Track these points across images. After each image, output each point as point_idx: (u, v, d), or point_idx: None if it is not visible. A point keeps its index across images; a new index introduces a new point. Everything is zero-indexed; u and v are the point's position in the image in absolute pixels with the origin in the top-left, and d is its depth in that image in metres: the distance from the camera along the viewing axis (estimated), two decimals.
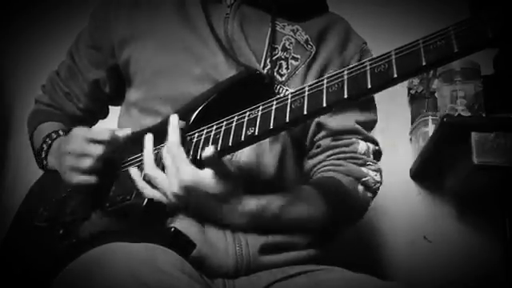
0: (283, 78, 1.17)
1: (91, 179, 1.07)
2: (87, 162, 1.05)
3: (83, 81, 1.33)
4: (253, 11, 1.22)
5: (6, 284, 1.14)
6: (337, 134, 1.20)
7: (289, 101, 0.91)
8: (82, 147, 1.06)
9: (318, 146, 1.21)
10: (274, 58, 1.18)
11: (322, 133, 1.21)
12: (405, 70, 0.82)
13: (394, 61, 0.83)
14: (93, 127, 1.11)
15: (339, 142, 1.20)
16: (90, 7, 1.33)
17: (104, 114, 1.43)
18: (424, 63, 0.80)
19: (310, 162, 1.22)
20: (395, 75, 0.82)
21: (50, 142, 1.22)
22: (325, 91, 0.87)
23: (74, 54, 1.34)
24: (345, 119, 1.20)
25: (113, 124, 1.31)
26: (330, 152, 1.19)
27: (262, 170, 1.12)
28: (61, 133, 1.24)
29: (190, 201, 0.99)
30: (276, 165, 1.14)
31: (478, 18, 0.77)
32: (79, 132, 1.09)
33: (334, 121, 1.19)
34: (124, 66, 1.24)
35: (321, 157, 1.20)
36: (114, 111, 1.39)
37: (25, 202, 1.29)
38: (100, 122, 1.45)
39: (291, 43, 1.20)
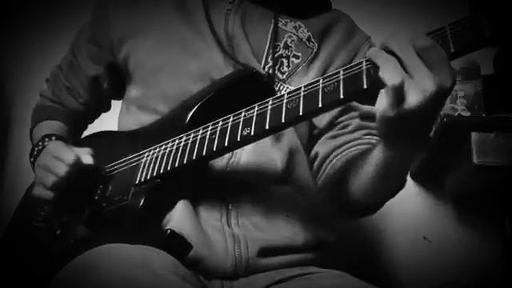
0: (284, 76, 1.17)
1: (49, 195, 1.10)
2: (51, 179, 1.08)
3: (83, 76, 1.33)
4: (255, 7, 1.21)
5: (4, 283, 1.14)
6: (367, 116, 1.18)
7: (284, 101, 0.91)
8: (49, 163, 1.10)
9: (345, 126, 1.19)
10: (275, 55, 1.17)
11: (353, 113, 1.19)
12: None
13: None
14: (57, 148, 1.13)
15: (372, 124, 1.17)
16: (89, 7, 1.34)
17: (106, 108, 1.44)
18: None
19: (335, 142, 1.19)
20: None
21: (41, 147, 1.23)
22: (320, 92, 0.87)
23: (75, 49, 1.35)
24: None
25: (112, 118, 1.33)
26: (366, 131, 1.18)
27: (269, 167, 1.11)
28: (53, 139, 1.24)
29: None
30: (285, 158, 1.13)
31: (475, 18, 0.76)
32: (51, 147, 1.14)
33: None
34: (123, 62, 1.24)
35: (354, 135, 1.18)
36: (117, 104, 1.39)
37: (23, 201, 1.30)
38: (103, 115, 1.46)
39: (293, 41, 1.20)
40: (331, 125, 1.20)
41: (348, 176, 1.11)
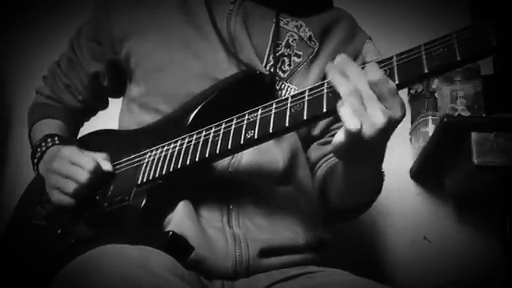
0: (285, 75, 1.17)
1: (71, 202, 1.08)
2: (72, 186, 1.07)
3: (83, 73, 1.33)
4: (256, 7, 1.21)
5: (4, 282, 1.14)
6: None
7: (288, 105, 0.91)
8: (66, 169, 1.08)
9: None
10: (277, 54, 1.17)
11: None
12: (406, 78, 0.82)
13: (395, 67, 0.82)
14: (75, 153, 1.11)
15: None
16: (90, 7, 1.33)
17: (104, 106, 1.44)
18: (426, 71, 0.80)
19: (323, 150, 1.20)
20: (397, 82, 0.82)
21: (44, 149, 1.22)
22: (325, 96, 0.87)
23: (75, 46, 1.35)
24: None
25: (113, 116, 1.32)
26: None
27: (270, 167, 1.11)
28: (56, 140, 1.23)
29: None
30: (287, 159, 1.13)
31: (481, 26, 0.76)
32: (66, 152, 1.11)
33: None
34: (125, 61, 1.23)
35: None
36: (114, 102, 1.40)
37: (23, 199, 1.30)
38: (100, 113, 1.46)
39: (295, 40, 1.20)
40: (324, 131, 1.21)
41: (326, 185, 1.16)
